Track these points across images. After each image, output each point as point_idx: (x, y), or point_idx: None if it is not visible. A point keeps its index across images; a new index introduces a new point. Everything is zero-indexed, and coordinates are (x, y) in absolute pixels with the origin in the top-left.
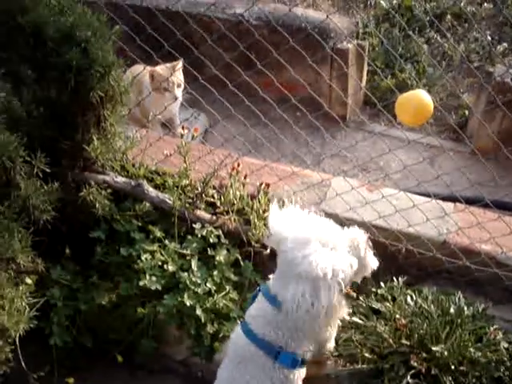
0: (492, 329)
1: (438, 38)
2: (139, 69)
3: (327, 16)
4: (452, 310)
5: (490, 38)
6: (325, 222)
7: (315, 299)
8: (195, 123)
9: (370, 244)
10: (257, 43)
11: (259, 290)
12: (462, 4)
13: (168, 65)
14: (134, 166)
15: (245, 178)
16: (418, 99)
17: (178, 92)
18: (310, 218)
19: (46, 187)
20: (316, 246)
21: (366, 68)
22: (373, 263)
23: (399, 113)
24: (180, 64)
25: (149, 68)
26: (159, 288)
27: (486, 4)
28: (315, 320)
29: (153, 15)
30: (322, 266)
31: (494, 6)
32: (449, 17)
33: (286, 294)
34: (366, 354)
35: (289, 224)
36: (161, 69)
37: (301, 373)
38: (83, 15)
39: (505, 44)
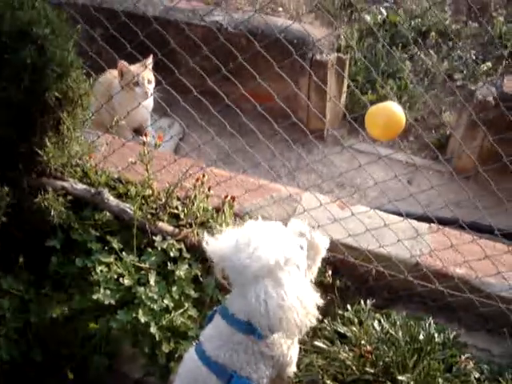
0: (463, 357)
1: (422, 55)
2: (108, 76)
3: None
4: (421, 337)
5: (474, 56)
6: (260, 222)
7: (281, 289)
8: (168, 132)
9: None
10: (235, 51)
11: (216, 311)
12: (447, 22)
13: (137, 64)
14: (96, 173)
15: (209, 189)
16: (389, 111)
17: (149, 87)
18: (244, 226)
19: None
20: (258, 242)
21: (346, 82)
22: (322, 241)
23: (368, 126)
24: (150, 60)
25: (120, 63)
26: (113, 302)
27: (470, 22)
28: (292, 312)
29: (130, 20)
30: (272, 254)
31: (479, 25)
32: (433, 34)
33: (250, 304)
34: (328, 381)
35: (226, 242)
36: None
37: None
38: (43, 11)
39: (489, 63)
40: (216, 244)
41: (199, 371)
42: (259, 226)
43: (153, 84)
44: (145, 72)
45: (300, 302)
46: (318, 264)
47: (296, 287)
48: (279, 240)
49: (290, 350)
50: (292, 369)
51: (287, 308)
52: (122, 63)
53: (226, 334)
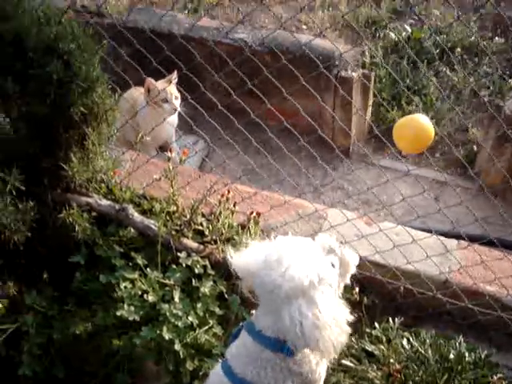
0: (495, 378)
1: (448, 71)
2: (135, 92)
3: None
4: (451, 356)
5: (500, 72)
6: (291, 238)
7: (315, 309)
8: (193, 150)
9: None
10: (260, 69)
11: (242, 327)
12: (473, 38)
13: (162, 80)
14: (121, 189)
15: (234, 205)
16: (417, 123)
17: (177, 103)
18: (273, 242)
19: (20, 206)
20: (290, 260)
21: (371, 99)
22: (353, 257)
23: (397, 139)
24: (175, 75)
25: (147, 80)
26: (137, 319)
27: (497, 38)
28: (328, 331)
29: (155, 39)
30: (305, 274)
31: (505, 41)
32: (459, 50)
33: (284, 324)
34: None
35: (253, 257)
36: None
37: None
38: (69, 27)
39: None
40: (242, 259)
41: None
42: (289, 242)
43: (179, 100)
44: (171, 88)
45: (335, 320)
46: (347, 281)
47: (330, 306)
48: (311, 258)
49: (318, 366)
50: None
51: (323, 327)
52: (150, 80)
53: (254, 351)
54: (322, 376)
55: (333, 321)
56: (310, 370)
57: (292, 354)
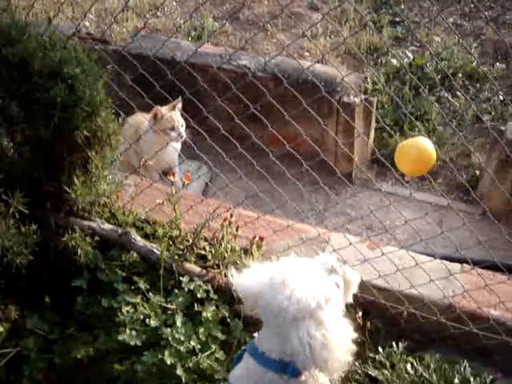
0: None
1: (449, 97)
2: (139, 117)
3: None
4: (456, 381)
5: (501, 98)
6: (292, 259)
7: (323, 329)
8: (196, 175)
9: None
10: (262, 95)
11: (244, 350)
12: (474, 64)
13: (167, 106)
14: (124, 213)
15: (237, 229)
16: (419, 146)
17: (183, 130)
18: (276, 263)
19: (23, 229)
20: (295, 282)
21: (373, 124)
22: (355, 276)
23: (399, 161)
24: (179, 101)
25: (147, 116)
26: (139, 344)
27: (498, 64)
28: (335, 350)
29: (158, 65)
30: (312, 296)
31: (506, 67)
32: (460, 76)
33: (292, 346)
34: None
35: (257, 278)
36: (163, 109)
37: None
38: (73, 52)
39: None
40: (245, 280)
41: None
42: (292, 263)
43: (184, 126)
44: (177, 115)
45: (342, 340)
46: (350, 299)
47: (337, 326)
48: (316, 279)
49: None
50: None
51: (331, 347)
52: (157, 108)
53: (257, 374)
54: None
55: (340, 340)
56: None
57: (296, 375)
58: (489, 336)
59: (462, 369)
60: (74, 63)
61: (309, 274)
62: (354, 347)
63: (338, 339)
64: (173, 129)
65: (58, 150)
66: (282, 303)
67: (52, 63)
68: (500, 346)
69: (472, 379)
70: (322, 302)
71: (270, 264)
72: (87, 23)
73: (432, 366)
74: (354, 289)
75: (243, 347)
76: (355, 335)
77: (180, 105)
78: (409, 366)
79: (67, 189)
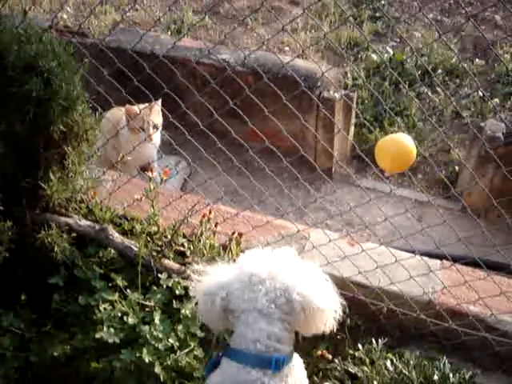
0: None
1: (429, 92)
2: (117, 112)
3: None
4: (436, 377)
5: (481, 94)
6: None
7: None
8: (175, 170)
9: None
10: (242, 90)
11: (220, 356)
12: (454, 59)
13: (145, 105)
14: (101, 209)
15: (215, 225)
16: (399, 143)
17: (155, 134)
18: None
19: None
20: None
21: (353, 120)
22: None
23: (379, 158)
24: (158, 105)
25: (126, 106)
26: (117, 341)
27: (477, 60)
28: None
29: (137, 59)
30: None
31: (485, 63)
32: (440, 71)
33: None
34: None
35: (224, 276)
36: (138, 108)
37: None
38: (49, 45)
39: (496, 100)
40: (207, 282)
41: None
42: (257, 256)
43: (159, 128)
44: (152, 116)
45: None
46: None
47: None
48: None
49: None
50: None
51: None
52: (129, 107)
53: (238, 375)
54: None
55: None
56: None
57: (279, 368)
58: (468, 332)
59: (442, 365)
60: (50, 57)
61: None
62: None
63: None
64: (143, 130)
65: (33, 145)
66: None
67: (27, 57)
68: (479, 342)
69: (451, 375)
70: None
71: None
72: (65, 16)
73: (412, 362)
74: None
75: (219, 353)
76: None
77: (158, 106)
78: (388, 363)
79: (43, 185)
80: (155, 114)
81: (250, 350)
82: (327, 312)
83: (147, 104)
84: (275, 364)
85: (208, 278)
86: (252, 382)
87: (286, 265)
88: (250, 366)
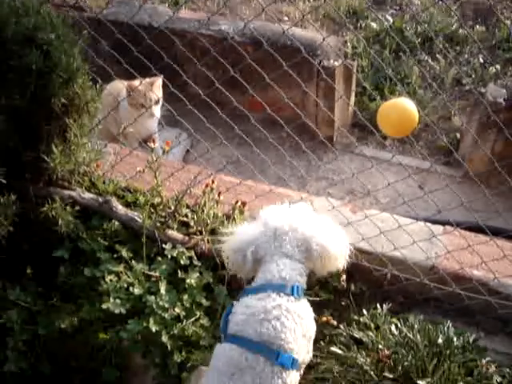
0: (484, 361)
1: (430, 60)
2: (118, 85)
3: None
4: (440, 341)
5: (482, 60)
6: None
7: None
8: (177, 142)
9: None
10: (241, 60)
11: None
12: (454, 26)
13: (147, 80)
14: (104, 182)
15: (218, 195)
16: (401, 107)
17: (156, 109)
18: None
19: (1, 199)
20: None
21: (353, 88)
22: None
23: (381, 122)
24: (159, 81)
25: (127, 82)
26: (124, 312)
27: (478, 27)
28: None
29: (136, 31)
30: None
31: (486, 29)
32: (440, 39)
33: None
34: None
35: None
36: (138, 84)
37: (296, 379)
38: (48, 17)
39: (497, 66)
40: (234, 239)
41: (241, 359)
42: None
43: (160, 103)
44: (152, 92)
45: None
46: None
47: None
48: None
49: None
50: (310, 349)
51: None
52: (130, 83)
53: (262, 306)
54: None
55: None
56: (311, 323)
57: (299, 294)
58: (471, 296)
59: (446, 329)
60: (48, 29)
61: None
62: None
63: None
64: (144, 106)
65: (35, 118)
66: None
67: (26, 29)
68: (482, 306)
69: (455, 339)
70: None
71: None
72: None
73: (416, 326)
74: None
75: (231, 303)
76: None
77: (159, 82)
78: (393, 328)
79: (46, 158)
80: (156, 89)
81: (273, 280)
82: (340, 257)
83: (148, 79)
84: (297, 290)
85: (236, 237)
86: (277, 307)
87: (304, 218)
88: (275, 293)
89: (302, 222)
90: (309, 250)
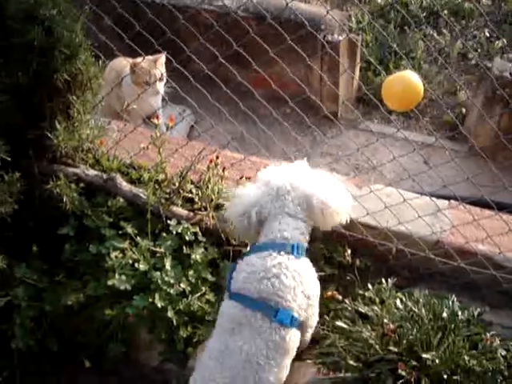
0: (488, 335)
1: (435, 34)
2: (121, 61)
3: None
4: (445, 315)
5: (488, 34)
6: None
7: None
8: (181, 119)
9: None
10: (244, 36)
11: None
12: (460, 0)
13: (150, 57)
14: (108, 159)
15: (223, 171)
16: (406, 80)
17: (160, 86)
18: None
19: (6, 177)
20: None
21: (358, 64)
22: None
23: (386, 96)
24: (163, 58)
25: (130, 60)
26: (129, 288)
27: (484, 0)
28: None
29: (138, 7)
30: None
31: (491, 3)
32: (446, 12)
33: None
34: (351, 362)
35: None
36: (142, 61)
37: (297, 337)
38: None
39: (504, 40)
40: (237, 202)
41: (242, 316)
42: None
43: (164, 80)
44: (156, 68)
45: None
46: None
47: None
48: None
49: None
50: (315, 313)
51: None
52: (133, 61)
53: (262, 264)
54: (317, 299)
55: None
56: (312, 282)
57: (299, 253)
58: (476, 270)
59: (451, 303)
60: (49, 5)
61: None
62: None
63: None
64: (148, 83)
65: (38, 95)
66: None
67: (27, 6)
68: (487, 280)
69: (460, 313)
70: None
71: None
72: None
73: (421, 300)
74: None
75: (235, 262)
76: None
77: (163, 59)
78: (398, 302)
79: (49, 135)
80: (160, 66)
81: (276, 240)
82: (341, 211)
83: (150, 57)
84: (297, 248)
85: (238, 200)
86: (275, 266)
87: (304, 176)
88: (276, 251)
89: (302, 180)
90: (310, 207)
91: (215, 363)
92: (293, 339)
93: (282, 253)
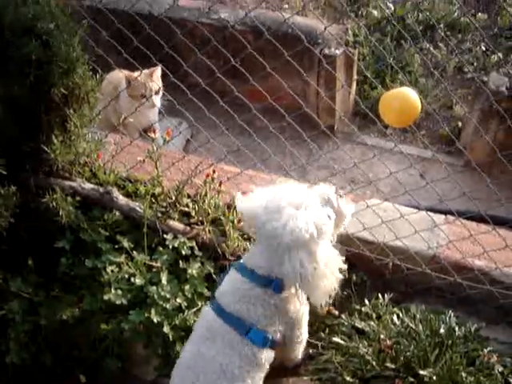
0: (485, 351)
1: (431, 48)
2: (118, 74)
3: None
4: (442, 331)
5: (484, 48)
6: (291, 186)
7: (315, 262)
8: (177, 132)
9: (341, 193)
10: (242, 49)
11: (230, 268)
12: (456, 14)
13: (146, 71)
14: (104, 172)
15: (219, 185)
16: (404, 96)
17: (156, 99)
18: (276, 188)
19: (2, 191)
20: (290, 211)
21: (355, 77)
22: (347, 209)
23: (383, 112)
24: (158, 70)
25: (126, 73)
26: (125, 302)
27: (480, 14)
28: (323, 281)
29: (135, 20)
30: (306, 228)
31: (488, 17)
32: (442, 26)
33: (283, 271)
34: (348, 378)
35: (256, 201)
36: (138, 75)
37: (269, 355)
38: (47, 6)
39: (499, 54)
40: (247, 202)
41: (216, 325)
42: (290, 191)
43: (160, 93)
44: (152, 82)
45: (331, 270)
46: (342, 229)
47: (327, 257)
48: (311, 210)
49: (301, 306)
50: (302, 332)
51: (321, 277)
52: (129, 74)
53: (244, 289)
54: (304, 320)
55: (329, 271)
56: (294, 310)
57: (279, 291)
58: (473, 286)
59: (448, 319)
60: (47, 18)
61: (304, 203)
62: (340, 276)
63: (328, 270)
64: (144, 96)
65: (34, 109)
66: (277, 230)
67: (25, 19)
68: (484, 296)
69: (457, 328)
70: (315, 234)
71: (270, 188)
72: None
73: (418, 316)
74: (347, 220)
75: (228, 267)
76: (344, 266)
77: (159, 72)
78: (395, 317)
79: (46, 148)
80: (156, 79)
81: (259, 272)
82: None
83: (146, 70)
84: (277, 286)
85: (245, 201)
86: (254, 297)
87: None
88: (255, 284)
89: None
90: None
91: (188, 370)
92: (264, 357)
93: (261, 289)
